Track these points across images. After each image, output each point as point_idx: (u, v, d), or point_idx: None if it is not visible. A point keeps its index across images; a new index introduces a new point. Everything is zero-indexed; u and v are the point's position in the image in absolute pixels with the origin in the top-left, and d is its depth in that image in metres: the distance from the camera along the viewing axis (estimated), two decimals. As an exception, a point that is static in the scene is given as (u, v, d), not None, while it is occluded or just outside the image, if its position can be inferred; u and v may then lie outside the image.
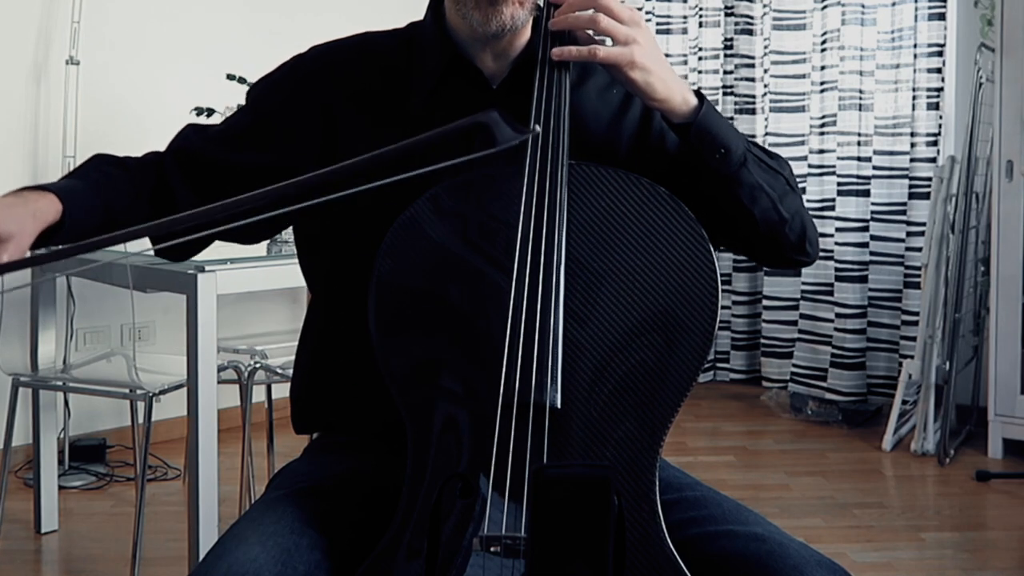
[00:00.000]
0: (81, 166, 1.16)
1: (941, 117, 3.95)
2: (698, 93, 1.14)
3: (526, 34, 1.21)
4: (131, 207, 1.15)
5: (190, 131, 1.25)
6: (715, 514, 1.09)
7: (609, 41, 1.10)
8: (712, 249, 1.06)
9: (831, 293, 4.14)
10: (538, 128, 0.86)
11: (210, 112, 2.86)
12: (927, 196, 3.84)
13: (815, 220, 4.21)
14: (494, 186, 1.09)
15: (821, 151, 4.20)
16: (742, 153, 1.15)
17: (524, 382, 0.98)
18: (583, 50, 1.10)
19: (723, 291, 4.50)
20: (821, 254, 4.69)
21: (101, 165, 1.17)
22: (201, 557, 1.03)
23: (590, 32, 1.13)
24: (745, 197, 1.15)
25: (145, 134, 3.52)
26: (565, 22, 1.12)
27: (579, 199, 1.07)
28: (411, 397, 1.03)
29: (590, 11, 1.11)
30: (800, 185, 4.18)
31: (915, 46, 3.95)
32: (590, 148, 1.19)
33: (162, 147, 1.25)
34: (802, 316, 4.27)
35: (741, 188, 1.15)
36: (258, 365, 2.77)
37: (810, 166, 4.24)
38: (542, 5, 1.17)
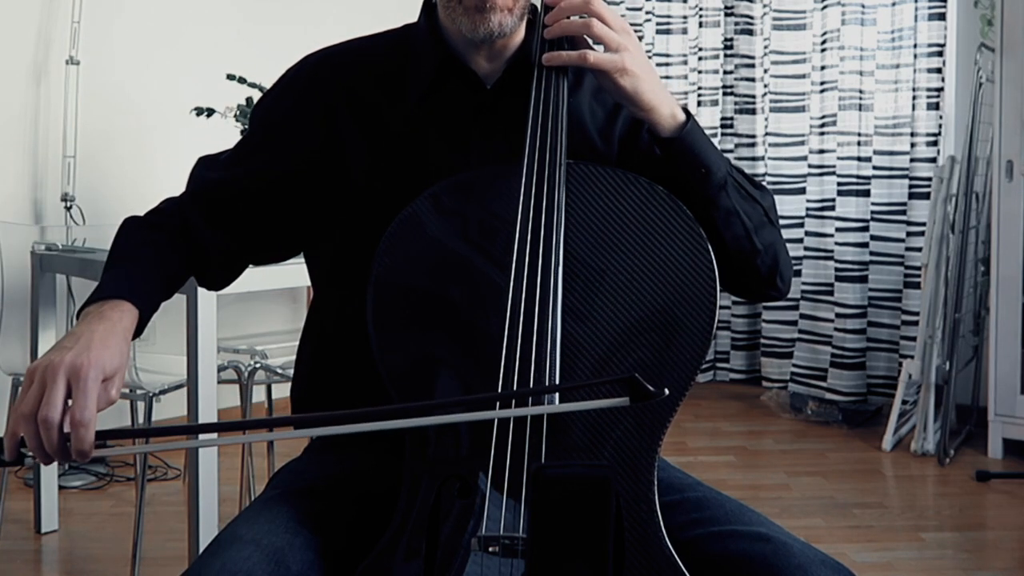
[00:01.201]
0: (124, 241, 1.19)
1: (941, 117, 3.94)
2: (685, 110, 1.15)
3: (520, 35, 1.21)
4: (179, 272, 1.20)
5: (201, 168, 1.27)
6: (718, 515, 1.09)
7: (601, 49, 1.11)
8: (711, 248, 1.06)
9: (831, 293, 4.13)
10: (667, 391, 0.91)
11: (210, 112, 2.86)
12: (927, 196, 3.84)
13: (815, 220, 4.25)
14: (493, 185, 1.09)
15: (821, 151, 4.20)
16: (723, 176, 1.14)
17: (522, 382, 0.98)
18: (573, 54, 1.11)
19: (722, 291, 4.49)
20: (821, 254, 4.69)
21: (140, 234, 1.20)
22: (200, 557, 1.03)
23: (588, 39, 1.13)
24: (720, 221, 1.15)
25: (145, 134, 3.54)
26: (559, 28, 1.13)
27: (577, 198, 1.07)
28: (408, 395, 1.03)
29: (583, 17, 1.11)
30: (800, 185, 4.25)
31: (915, 46, 3.95)
32: (586, 148, 1.19)
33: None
34: (802, 316, 4.27)
35: (717, 211, 1.14)
36: (258, 365, 2.77)
37: (810, 166, 4.23)
38: (539, 8, 1.17)
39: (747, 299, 1.27)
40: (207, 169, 1.26)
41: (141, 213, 1.24)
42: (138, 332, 1.09)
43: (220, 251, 1.23)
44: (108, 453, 0.97)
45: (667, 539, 0.97)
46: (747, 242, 1.16)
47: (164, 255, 1.18)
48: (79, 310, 1.08)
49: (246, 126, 2.79)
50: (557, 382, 0.99)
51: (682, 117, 1.13)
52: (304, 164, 1.21)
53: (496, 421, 0.97)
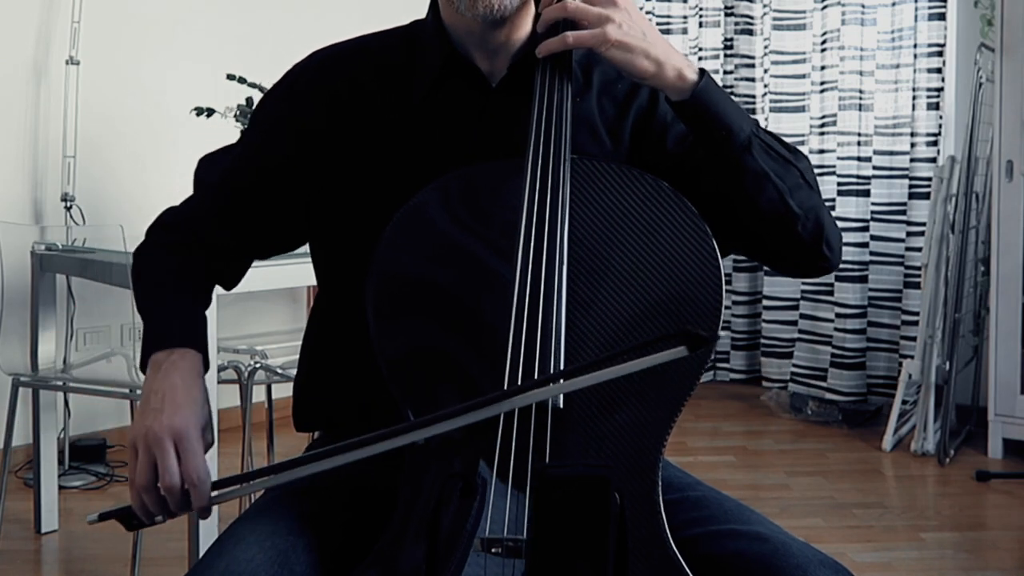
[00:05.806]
0: (155, 279, 1.20)
1: (941, 117, 3.95)
2: (701, 70, 1.10)
3: (524, 29, 1.19)
4: (207, 292, 1.23)
5: (206, 169, 1.28)
6: (717, 514, 1.09)
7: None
8: (716, 246, 1.06)
9: (831, 293, 4.13)
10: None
11: (210, 112, 2.85)
12: (927, 196, 3.84)
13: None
14: (499, 179, 1.09)
15: (821, 151, 4.20)
16: (746, 137, 1.09)
17: (526, 378, 0.97)
18: (555, 41, 1.08)
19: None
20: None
21: (164, 265, 1.21)
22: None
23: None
24: (749, 185, 1.09)
25: (145, 134, 3.54)
26: (542, 20, 1.11)
27: (582, 195, 1.06)
28: (406, 387, 1.02)
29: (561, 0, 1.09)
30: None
31: (915, 46, 3.95)
32: (593, 144, 1.18)
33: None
34: (802, 316, 4.27)
35: (745, 175, 1.09)
36: (258, 365, 2.77)
37: (810, 166, 4.23)
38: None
39: (798, 274, 1.22)
40: (211, 167, 1.27)
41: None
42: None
43: (230, 252, 1.25)
44: (225, 499, 1.03)
45: (671, 540, 0.97)
46: (782, 205, 1.10)
47: (193, 282, 1.20)
48: (142, 358, 1.12)
49: (246, 126, 2.79)
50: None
51: (693, 77, 1.08)
52: (309, 156, 1.20)
53: (501, 423, 0.96)
